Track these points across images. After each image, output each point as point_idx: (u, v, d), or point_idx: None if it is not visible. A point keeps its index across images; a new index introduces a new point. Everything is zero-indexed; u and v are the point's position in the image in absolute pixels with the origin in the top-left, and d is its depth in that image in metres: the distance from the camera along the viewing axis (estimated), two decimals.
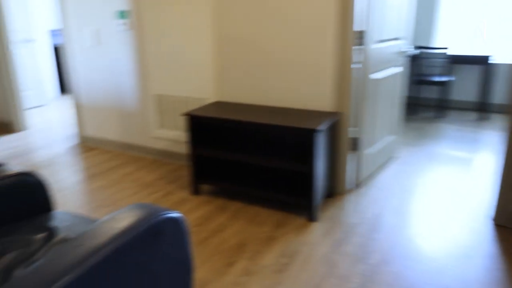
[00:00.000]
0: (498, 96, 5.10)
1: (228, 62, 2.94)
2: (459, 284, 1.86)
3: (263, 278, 1.94)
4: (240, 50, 2.86)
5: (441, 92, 5.42)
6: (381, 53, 2.82)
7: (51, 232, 1.45)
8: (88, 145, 3.96)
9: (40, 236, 1.43)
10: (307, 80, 2.68)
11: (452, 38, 5.29)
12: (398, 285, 1.86)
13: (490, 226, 2.35)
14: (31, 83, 5.54)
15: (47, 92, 5.80)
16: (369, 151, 2.97)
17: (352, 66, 2.53)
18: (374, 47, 2.71)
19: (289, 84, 2.75)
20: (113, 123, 3.73)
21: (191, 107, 3.24)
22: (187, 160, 3.41)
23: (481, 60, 4.74)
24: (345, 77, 2.57)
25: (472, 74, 5.21)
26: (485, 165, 3.30)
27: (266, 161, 2.48)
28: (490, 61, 4.69)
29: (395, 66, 3.11)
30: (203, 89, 3.14)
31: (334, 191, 2.80)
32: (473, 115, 5.00)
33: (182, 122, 3.33)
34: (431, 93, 5.51)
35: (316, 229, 2.37)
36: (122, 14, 3.31)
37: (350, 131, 2.70)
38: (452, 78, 5.33)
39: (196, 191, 2.82)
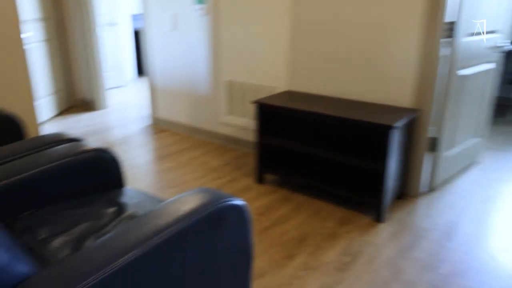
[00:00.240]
0: None
1: (302, 51, 2.86)
2: None
3: (323, 274, 1.87)
4: (316, 38, 2.77)
5: None
6: (472, 47, 2.57)
7: (121, 208, 1.51)
8: (159, 127, 4.12)
9: (111, 210, 1.49)
10: (386, 73, 2.52)
11: None
12: None
13: None
14: (112, 64, 5.88)
15: (126, 74, 6.13)
16: (448, 153, 2.74)
17: (439, 59, 2.33)
18: (465, 40, 2.47)
19: (365, 76, 2.61)
20: (184, 106, 3.84)
21: (261, 95, 3.22)
22: (253, 148, 3.40)
23: None
24: (430, 71, 2.37)
25: None
26: None
27: (335, 156, 2.39)
28: None
29: (487, 62, 2.82)
30: (274, 77, 3.10)
31: (405, 193, 2.64)
32: None
33: (251, 109, 3.32)
34: None
35: (383, 231, 2.24)
36: (201, 0, 3.36)
37: (430, 130, 2.50)
38: None
39: (260, 180, 2.81)
